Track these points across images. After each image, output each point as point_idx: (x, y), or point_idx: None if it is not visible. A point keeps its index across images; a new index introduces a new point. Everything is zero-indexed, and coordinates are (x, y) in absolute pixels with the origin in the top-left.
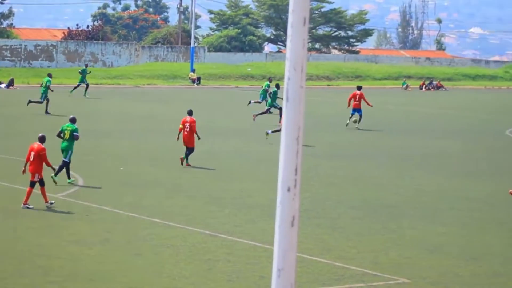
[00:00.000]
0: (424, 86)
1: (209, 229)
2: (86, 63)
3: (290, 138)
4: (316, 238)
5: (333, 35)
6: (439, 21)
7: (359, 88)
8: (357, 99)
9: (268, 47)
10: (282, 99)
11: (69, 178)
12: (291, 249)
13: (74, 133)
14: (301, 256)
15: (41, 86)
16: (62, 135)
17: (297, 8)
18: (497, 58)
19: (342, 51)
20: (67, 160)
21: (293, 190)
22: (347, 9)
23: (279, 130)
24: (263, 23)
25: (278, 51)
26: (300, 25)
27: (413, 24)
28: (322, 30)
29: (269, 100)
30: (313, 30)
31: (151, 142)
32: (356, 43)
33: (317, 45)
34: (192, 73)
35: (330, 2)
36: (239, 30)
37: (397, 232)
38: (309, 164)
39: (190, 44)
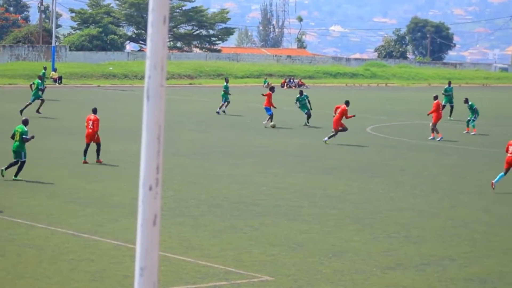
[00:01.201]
0: (285, 84)
1: (72, 229)
2: (44, 66)
3: (150, 137)
4: (179, 237)
5: (194, 33)
6: (300, 19)
7: (271, 88)
8: (271, 99)
9: (130, 46)
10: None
11: (16, 175)
12: (153, 248)
13: (23, 136)
14: (164, 255)
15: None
16: (14, 136)
17: (157, 7)
18: (357, 56)
19: (204, 49)
20: (23, 159)
21: (155, 189)
22: (208, 7)
23: (334, 135)
24: (124, 22)
25: (140, 50)
26: (160, 24)
27: (274, 22)
28: (183, 29)
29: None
30: (175, 29)
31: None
32: (217, 42)
33: (178, 44)
34: (53, 72)
35: (191, 1)
36: (101, 29)
37: (260, 230)
38: (172, 162)
39: (51, 43)
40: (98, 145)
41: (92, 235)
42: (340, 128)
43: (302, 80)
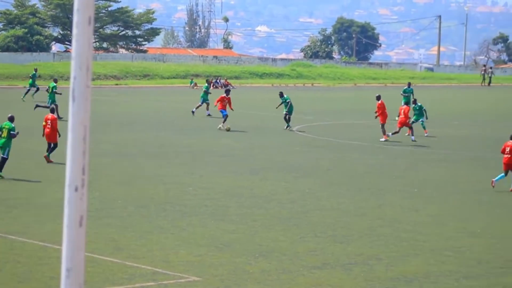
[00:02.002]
0: (211, 84)
1: None
2: (35, 68)
3: (76, 137)
4: (106, 238)
5: (120, 34)
6: (226, 19)
7: (227, 92)
8: (225, 102)
9: (56, 47)
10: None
11: (0, 171)
12: (80, 249)
13: (11, 132)
14: (91, 256)
15: (47, 91)
16: (0, 132)
17: (82, 7)
18: (283, 56)
19: (130, 50)
20: (5, 156)
21: (81, 190)
22: (134, 8)
23: (396, 132)
24: (50, 23)
25: (66, 51)
26: (85, 24)
27: (200, 23)
28: (109, 30)
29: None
30: (100, 30)
31: None
32: (143, 42)
33: (104, 45)
34: None
35: (117, 1)
36: (26, 30)
37: (187, 230)
38: (98, 163)
39: None
40: (55, 145)
41: (19, 237)
42: (405, 126)
43: (228, 80)
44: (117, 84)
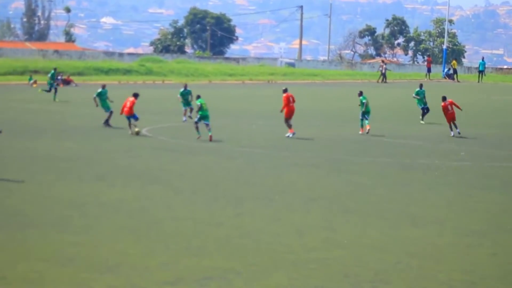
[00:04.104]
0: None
1: None
2: (55, 67)
3: None
4: None
5: None
6: (68, 10)
7: (135, 95)
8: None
9: None
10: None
11: None
12: None
13: None
14: None
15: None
16: None
17: None
18: (131, 50)
19: None
20: None
21: None
22: None
23: None
24: None
25: None
26: None
27: (39, 13)
28: None
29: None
30: None
31: None
32: None
33: None
34: None
35: None
36: None
37: (26, 244)
38: None
39: None
40: None
41: None
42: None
43: (71, 77)
44: None
